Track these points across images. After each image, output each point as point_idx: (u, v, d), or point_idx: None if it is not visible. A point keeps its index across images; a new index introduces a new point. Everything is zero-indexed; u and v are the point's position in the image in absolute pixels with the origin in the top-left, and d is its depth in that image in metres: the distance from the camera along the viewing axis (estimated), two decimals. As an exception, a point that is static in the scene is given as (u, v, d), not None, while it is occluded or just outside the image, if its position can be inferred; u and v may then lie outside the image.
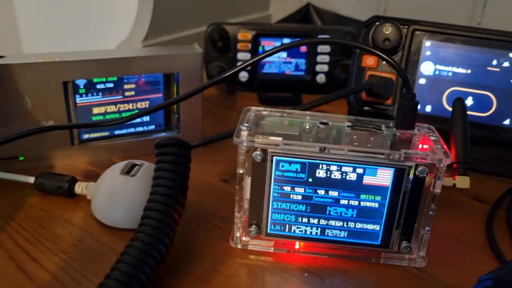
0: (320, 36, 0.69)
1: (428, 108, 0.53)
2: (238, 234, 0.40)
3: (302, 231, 0.39)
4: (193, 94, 0.43)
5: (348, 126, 0.40)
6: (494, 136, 0.52)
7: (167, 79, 0.53)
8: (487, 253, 0.42)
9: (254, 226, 0.39)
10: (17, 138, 0.44)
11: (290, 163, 0.36)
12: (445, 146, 0.37)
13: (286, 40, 0.70)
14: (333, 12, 0.86)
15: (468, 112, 0.52)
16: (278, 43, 0.70)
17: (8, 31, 0.78)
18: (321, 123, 0.39)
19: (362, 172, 0.36)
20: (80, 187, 0.45)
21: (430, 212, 0.37)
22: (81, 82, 0.49)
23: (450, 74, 0.52)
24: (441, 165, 0.35)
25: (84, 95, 0.49)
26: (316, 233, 0.39)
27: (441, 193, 0.37)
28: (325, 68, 0.71)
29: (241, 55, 0.70)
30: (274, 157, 0.36)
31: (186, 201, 0.41)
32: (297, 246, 0.40)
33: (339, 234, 0.38)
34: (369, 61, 0.53)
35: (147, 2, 0.66)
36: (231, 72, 0.43)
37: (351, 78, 0.55)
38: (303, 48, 0.71)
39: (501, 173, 0.54)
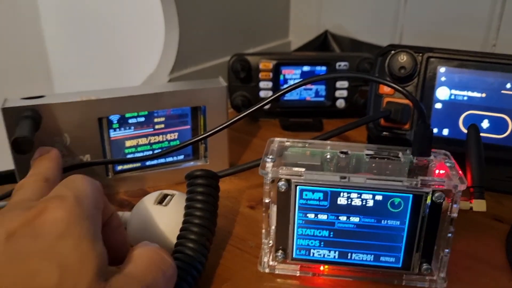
0: (338, 63, 0.72)
1: (445, 132, 0.55)
2: (265, 259, 0.42)
3: (326, 255, 0.41)
4: (219, 131, 0.47)
5: (367, 155, 0.42)
6: (511, 157, 0.53)
7: (194, 112, 0.56)
8: (507, 272, 0.43)
9: (280, 251, 0.41)
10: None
11: (313, 191, 0.38)
12: (460, 172, 0.39)
13: (305, 68, 0.73)
14: (350, 38, 0.88)
15: (485, 135, 0.54)
16: (298, 71, 0.73)
17: (41, 67, 0.82)
18: (341, 152, 0.42)
19: (381, 198, 0.38)
20: (116, 217, 0.48)
21: (449, 235, 0.39)
22: (114, 118, 0.52)
23: (465, 98, 0.54)
24: (457, 190, 0.37)
25: (117, 129, 0.53)
26: (340, 256, 0.41)
27: (461, 214, 0.39)
28: (344, 93, 0.73)
29: (263, 84, 0.72)
30: (298, 187, 0.38)
31: (216, 228, 0.43)
32: (322, 269, 0.42)
33: (362, 258, 0.40)
34: (386, 88, 0.55)
35: (173, 37, 0.70)
36: (256, 107, 0.46)
37: (370, 104, 0.57)
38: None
39: (519, 192, 0.55)
